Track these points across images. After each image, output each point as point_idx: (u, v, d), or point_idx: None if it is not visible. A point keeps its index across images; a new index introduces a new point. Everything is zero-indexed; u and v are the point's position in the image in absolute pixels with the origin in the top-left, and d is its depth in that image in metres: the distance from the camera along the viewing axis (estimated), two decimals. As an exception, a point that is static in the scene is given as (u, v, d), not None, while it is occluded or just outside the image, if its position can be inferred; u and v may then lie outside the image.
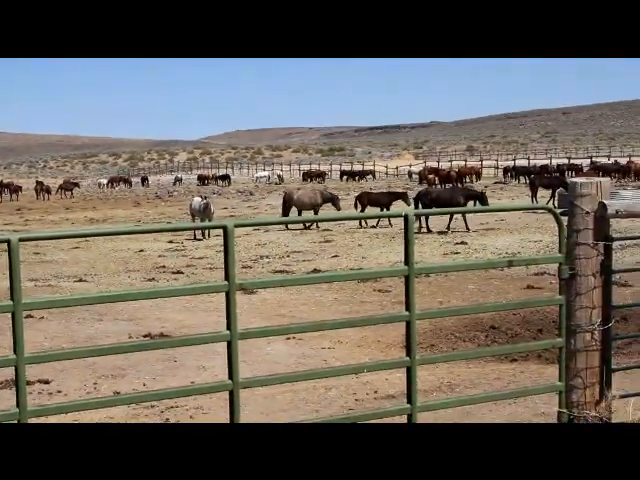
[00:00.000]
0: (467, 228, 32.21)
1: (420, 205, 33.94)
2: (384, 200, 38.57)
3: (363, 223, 36.69)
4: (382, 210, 36.21)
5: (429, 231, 32.55)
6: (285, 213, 38.73)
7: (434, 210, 9.53)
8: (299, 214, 38.47)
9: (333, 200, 39.13)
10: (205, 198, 36.79)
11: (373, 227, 35.80)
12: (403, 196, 38.43)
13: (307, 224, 36.21)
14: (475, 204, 33.97)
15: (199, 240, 33.05)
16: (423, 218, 33.21)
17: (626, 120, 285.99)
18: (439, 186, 57.58)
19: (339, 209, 38.83)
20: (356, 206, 37.98)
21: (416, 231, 31.34)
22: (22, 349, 5.29)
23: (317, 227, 36.08)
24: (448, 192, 37.00)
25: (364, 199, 38.59)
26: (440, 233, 31.72)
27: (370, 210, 37.61)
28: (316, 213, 38.09)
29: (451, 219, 33.55)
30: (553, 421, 6.92)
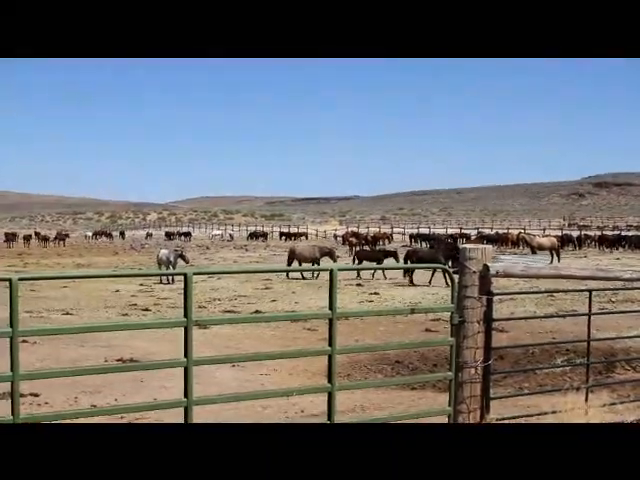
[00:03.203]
0: (384, 277, 31.92)
1: (409, 261, 33.25)
2: (379, 256, 37.65)
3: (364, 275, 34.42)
4: (378, 264, 35.32)
5: (412, 283, 31.56)
6: (289, 264, 37.50)
7: (352, 266, 9.56)
8: (299, 264, 37.52)
9: (330, 253, 38.29)
10: (181, 251, 38.73)
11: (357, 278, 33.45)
12: (394, 254, 37.56)
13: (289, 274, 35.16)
14: (453, 262, 32.28)
15: (165, 284, 32.76)
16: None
17: (505, 200, 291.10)
18: (358, 247, 57.46)
19: (335, 261, 37.69)
20: (354, 260, 37.42)
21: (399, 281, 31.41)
22: (17, 368, 5.20)
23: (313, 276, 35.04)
24: (431, 252, 35.26)
25: (361, 255, 38.13)
26: (358, 285, 31.69)
27: (367, 264, 36.53)
28: (318, 264, 36.55)
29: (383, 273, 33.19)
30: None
